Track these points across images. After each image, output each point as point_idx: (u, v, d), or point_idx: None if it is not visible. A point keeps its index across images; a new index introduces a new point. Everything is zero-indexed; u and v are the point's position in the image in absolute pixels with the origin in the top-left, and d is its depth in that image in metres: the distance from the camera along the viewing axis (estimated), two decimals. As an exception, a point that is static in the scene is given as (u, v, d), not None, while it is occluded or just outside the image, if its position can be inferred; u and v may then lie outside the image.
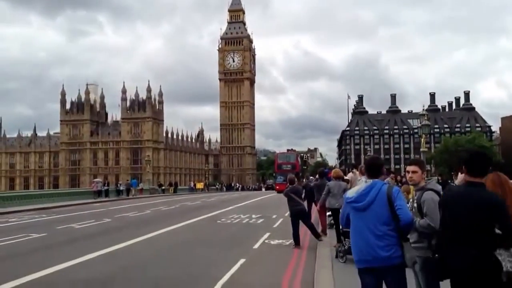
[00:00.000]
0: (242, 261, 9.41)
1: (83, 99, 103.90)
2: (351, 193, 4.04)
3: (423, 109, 29.09)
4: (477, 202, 3.34)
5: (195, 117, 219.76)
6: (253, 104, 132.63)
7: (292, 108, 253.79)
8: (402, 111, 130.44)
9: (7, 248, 11.62)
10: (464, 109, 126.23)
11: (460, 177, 4.37)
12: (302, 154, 69.13)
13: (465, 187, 3.53)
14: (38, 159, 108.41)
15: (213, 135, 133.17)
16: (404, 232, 3.89)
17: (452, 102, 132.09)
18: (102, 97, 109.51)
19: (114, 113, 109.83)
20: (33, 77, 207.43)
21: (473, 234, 3.30)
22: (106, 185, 42.98)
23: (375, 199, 3.85)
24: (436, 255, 3.54)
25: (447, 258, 3.41)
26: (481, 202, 3.33)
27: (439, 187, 4.42)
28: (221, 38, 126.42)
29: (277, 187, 53.57)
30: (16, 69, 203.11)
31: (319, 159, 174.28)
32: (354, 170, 12.00)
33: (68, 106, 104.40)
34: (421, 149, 28.25)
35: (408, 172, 4.47)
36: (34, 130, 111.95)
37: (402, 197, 3.95)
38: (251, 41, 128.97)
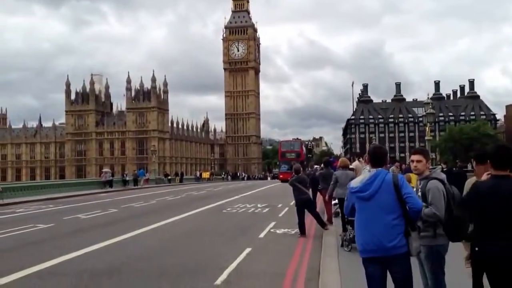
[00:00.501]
0: (248, 250, 9.43)
1: (88, 90, 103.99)
2: (356, 182, 4.02)
3: (428, 98, 28.92)
4: (507, 193, 3.45)
5: (200, 107, 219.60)
6: (258, 94, 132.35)
7: (297, 97, 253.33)
8: (407, 100, 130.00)
9: (14, 239, 11.71)
10: (469, 97, 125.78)
11: (480, 171, 4.33)
12: (307, 142, 65.71)
13: (493, 180, 3.61)
14: (44, 149, 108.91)
15: (218, 125, 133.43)
16: (413, 221, 3.87)
17: (456, 90, 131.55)
18: (107, 87, 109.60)
19: (119, 103, 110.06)
20: (37, 68, 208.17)
21: (507, 226, 3.41)
22: (111, 175, 43.09)
23: (379, 188, 3.83)
24: (476, 248, 3.59)
25: (484, 251, 3.50)
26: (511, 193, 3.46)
27: (443, 176, 4.42)
28: (225, 27, 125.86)
29: (281, 176, 51.82)
30: (20, 60, 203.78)
31: (324, 148, 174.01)
32: (360, 159, 11.95)
33: (73, 96, 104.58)
34: (426, 138, 28.13)
35: (413, 161, 4.49)
36: (40, 121, 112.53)
37: (408, 185, 3.93)
38: (255, 30, 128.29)
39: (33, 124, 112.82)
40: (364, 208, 3.90)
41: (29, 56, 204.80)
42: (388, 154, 6.20)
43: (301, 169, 12.18)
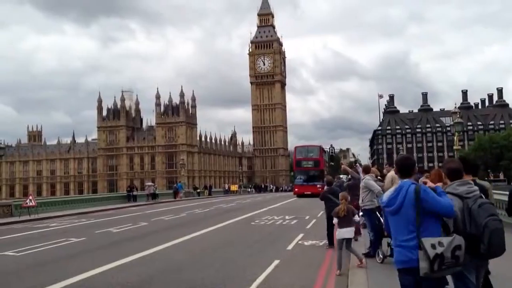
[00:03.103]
0: (276, 262, 9.44)
1: (118, 106, 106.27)
2: (384, 197, 4.02)
3: (455, 107, 28.44)
4: None
5: (227, 120, 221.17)
6: (285, 106, 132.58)
7: (323, 108, 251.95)
8: (434, 110, 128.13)
9: (48, 253, 12.00)
10: (498, 106, 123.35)
11: None
12: (328, 148, 54.42)
13: None
14: (77, 165, 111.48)
15: (246, 138, 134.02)
16: (446, 222, 3.82)
17: (485, 99, 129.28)
18: (137, 103, 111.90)
19: (149, 118, 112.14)
20: (69, 85, 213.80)
21: None
22: (135, 189, 43.79)
23: (404, 201, 3.80)
24: None
25: None
26: None
27: (461, 190, 4.11)
28: (251, 42, 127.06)
29: (296, 189, 44.06)
30: (53, 78, 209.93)
31: (352, 159, 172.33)
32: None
33: (104, 113, 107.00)
34: (454, 147, 27.65)
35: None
36: (73, 137, 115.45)
37: (431, 191, 3.84)
38: (280, 44, 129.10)
39: (67, 140, 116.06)
40: (393, 221, 3.90)
41: (62, 74, 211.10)
42: (416, 164, 6.16)
43: (333, 180, 12.22)
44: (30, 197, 26.08)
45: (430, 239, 3.63)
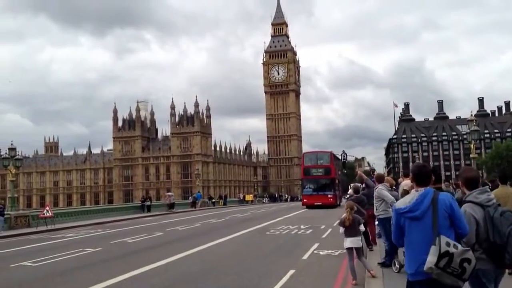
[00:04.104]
0: (291, 272, 9.38)
1: (134, 116, 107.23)
2: (403, 203, 3.91)
3: (472, 115, 28.17)
4: None
5: (242, 129, 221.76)
6: (299, 115, 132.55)
7: (338, 117, 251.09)
8: (450, 117, 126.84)
9: (64, 263, 12.09)
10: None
11: None
12: (340, 154, 48.55)
13: None
14: (93, 175, 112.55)
15: (261, 147, 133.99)
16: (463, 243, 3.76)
17: (501, 106, 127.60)
18: (152, 114, 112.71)
19: (164, 128, 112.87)
20: (85, 96, 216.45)
21: None
22: (149, 200, 44.00)
23: (428, 208, 3.74)
24: None
25: None
26: None
27: (482, 198, 4.07)
28: (265, 52, 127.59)
29: (304, 199, 40.08)
30: (69, 90, 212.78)
31: (367, 168, 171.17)
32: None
33: (120, 123, 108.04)
34: (471, 155, 27.34)
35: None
36: (89, 148, 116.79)
37: (457, 206, 3.82)
38: (295, 53, 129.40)
39: (83, 151, 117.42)
40: (414, 228, 3.80)
41: (77, 85, 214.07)
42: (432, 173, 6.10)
43: (360, 188, 12.10)
44: (47, 208, 26.35)
45: (448, 238, 3.59)
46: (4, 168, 28.35)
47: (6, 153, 28.25)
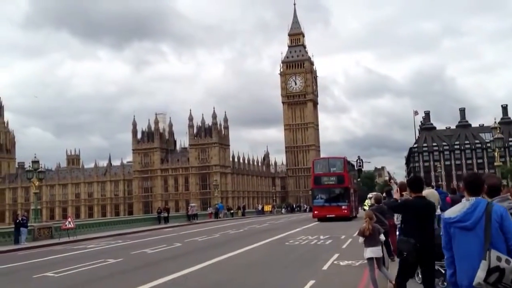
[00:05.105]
0: (311, 282, 9.33)
1: (152, 128, 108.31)
2: (453, 212, 3.79)
3: (495, 122, 27.71)
4: None
5: (259, 140, 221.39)
6: (317, 125, 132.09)
7: (356, 126, 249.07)
8: (472, 125, 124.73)
9: (86, 274, 12.23)
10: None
11: None
12: (355, 160, 44.30)
13: None
14: (114, 187, 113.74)
15: (279, 157, 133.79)
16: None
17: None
18: (171, 126, 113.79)
19: (182, 140, 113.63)
20: (104, 109, 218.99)
21: None
22: (166, 211, 44.14)
23: (481, 219, 3.63)
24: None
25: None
26: None
27: (504, 206, 3.99)
28: (282, 62, 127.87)
29: (315, 211, 36.09)
30: (89, 103, 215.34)
31: (387, 177, 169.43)
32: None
33: (139, 135, 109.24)
34: (495, 163, 26.86)
35: None
36: (109, 160, 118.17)
37: (510, 218, 3.68)
38: (312, 63, 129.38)
39: (103, 163, 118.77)
40: (463, 239, 3.69)
41: (97, 99, 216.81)
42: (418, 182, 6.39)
43: (382, 198, 11.96)
44: (69, 219, 26.75)
45: (499, 253, 3.46)
46: (28, 180, 28.90)
47: (29, 166, 28.81)
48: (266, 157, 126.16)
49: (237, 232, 26.27)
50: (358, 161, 44.25)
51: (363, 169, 52.31)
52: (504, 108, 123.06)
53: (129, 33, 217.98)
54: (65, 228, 25.36)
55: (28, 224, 24.44)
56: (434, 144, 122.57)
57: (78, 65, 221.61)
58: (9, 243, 22.99)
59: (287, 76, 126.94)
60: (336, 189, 35.90)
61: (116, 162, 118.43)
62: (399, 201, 7.02)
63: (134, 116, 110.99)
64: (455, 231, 3.73)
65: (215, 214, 50.13)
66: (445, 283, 8.07)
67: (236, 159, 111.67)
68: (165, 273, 11.15)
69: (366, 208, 12.89)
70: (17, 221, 23.62)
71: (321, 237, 19.66)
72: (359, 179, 50.82)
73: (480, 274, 3.43)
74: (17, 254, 18.97)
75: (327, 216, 34.03)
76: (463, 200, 3.86)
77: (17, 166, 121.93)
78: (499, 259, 3.41)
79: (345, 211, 34.88)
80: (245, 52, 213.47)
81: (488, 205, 3.67)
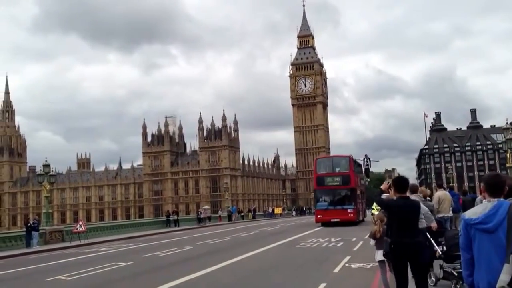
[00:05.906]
0: (323, 285, 9.27)
1: (162, 131, 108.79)
2: (475, 214, 3.67)
3: (507, 123, 27.42)
4: None
5: (269, 142, 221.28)
6: (327, 127, 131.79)
7: (366, 128, 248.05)
8: (484, 126, 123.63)
9: (98, 277, 12.27)
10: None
11: None
12: (362, 159, 41.46)
13: None
14: (124, 190, 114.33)
15: (289, 160, 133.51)
16: None
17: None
18: (180, 128, 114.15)
19: (192, 143, 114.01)
20: (114, 113, 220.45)
21: None
22: (176, 214, 44.32)
23: (503, 221, 3.51)
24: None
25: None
26: None
27: None
28: (292, 64, 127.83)
29: (318, 215, 33.00)
30: (99, 107, 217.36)
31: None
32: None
33: (149, 138, 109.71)
34: (507, 165, 26.59)
35: None
36: (120, 163, 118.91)
37: None
38: (321, 65, 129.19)
39: (114, 166, 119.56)
40: (484, 242, 3.58)
41: (107, 102, 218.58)
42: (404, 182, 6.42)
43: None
44: (80, 223, 26.92)
45: None
46: (39, 184, 29.11)
47: (40, 170, 29.02)
48: (276, 159, 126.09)
49: (248, 235, 26.23)
50: (365, 160, 41.44)
51: (371, 169, 48.33)
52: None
53: (138, 36, 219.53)
54: (76, 231, 25.52)
55: (40, 228, 24.60)
56: (445, 145, 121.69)
57: (88, 69, 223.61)
58: (20, 246, 23.16)
59: (296, 78, 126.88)
60: (341, 190, 32.92)
61: (126, 166, 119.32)
62: (383, 195, 7.19)
63: (144, 119, 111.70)
64: (476, 233, 3.62)
65: (228, 217, 50.65)
66: (458, 286, 7.97)
67: (246, 162, 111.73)
68: (177, 276, 11.15)
69: (375, 212, 12.49)
70: (29, 224, 23.80)
71: (332, 239, 19.57)
72: (367, 179, 47.08)
73: (504, 278, 3.34)
74: (29, 258, 19.11)
75: (331, 220, 31.37)
76: (484, 201, 3.78)
77: (28, 170, 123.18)
78: None
79: (351, 214, 32.15)
80: (254, 54, 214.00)
81: (510, 207, 3.56)
